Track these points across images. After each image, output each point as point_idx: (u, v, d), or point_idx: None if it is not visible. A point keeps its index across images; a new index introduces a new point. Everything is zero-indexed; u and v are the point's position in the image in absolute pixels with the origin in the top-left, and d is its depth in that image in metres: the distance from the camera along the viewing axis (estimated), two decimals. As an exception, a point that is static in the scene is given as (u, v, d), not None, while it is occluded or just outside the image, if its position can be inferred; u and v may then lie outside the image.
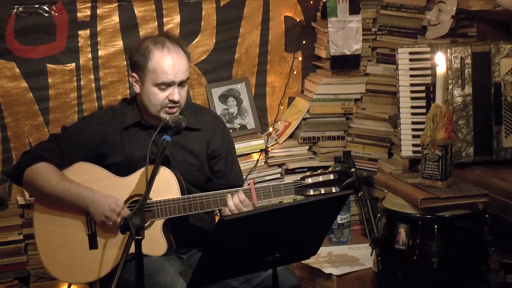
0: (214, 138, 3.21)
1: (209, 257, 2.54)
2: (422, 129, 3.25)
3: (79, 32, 4.09)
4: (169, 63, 3.04)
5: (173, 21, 4.25)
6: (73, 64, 4.11)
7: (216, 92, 4.39)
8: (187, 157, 3.16)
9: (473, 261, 3.11)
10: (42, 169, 3.04)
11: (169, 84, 3.05)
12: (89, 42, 4.11)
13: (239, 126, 4.40)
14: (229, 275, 2.79)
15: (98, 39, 4.13)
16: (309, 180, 3.03)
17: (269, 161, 4.42)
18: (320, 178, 3.03)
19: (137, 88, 3.11)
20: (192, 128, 3.17)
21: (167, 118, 3.05)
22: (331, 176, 3.04)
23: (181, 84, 3.08)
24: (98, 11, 4.10)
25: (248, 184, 3.04)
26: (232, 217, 2.51)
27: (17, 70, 4.01)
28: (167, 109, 3.07)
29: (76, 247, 3.08)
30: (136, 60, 3.08)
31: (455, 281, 3.11)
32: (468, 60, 3.53)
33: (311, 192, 3.02)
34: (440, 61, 3.20)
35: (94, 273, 3.06)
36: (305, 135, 4.49)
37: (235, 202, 3.00)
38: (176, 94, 3.05)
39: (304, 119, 4.48)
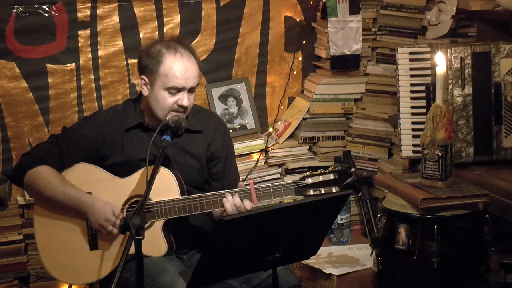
0: (214, 140, 3.21)
1: (209, 257, 2.54)
2: (422, 129, 3.25)
3: (79, 32, 4.09)
4: (181, 68, 3.04)
5: (173, 21, 4.25)
6: (73, 64, 4.11)
7: (216, 92, 4.39)
8: (188, 160, 3.16)
9: (473, 261, 3.11)
10: (43, 172, 3.04)
11: (179, 89, 3.05)
12: (89, 42, 4.11)
13: (239, 126, 4.40)
14: (229, 275, 2.79)
15: (98, 39, 4.13)
16: (309, 180, 3.03)
17: (269, 161, 4.42)
18: (320, 178, 3.03)
19: (145, 91, 3.10)
20: (193, 130, 3.17)
21: (167, 118, 3.04)
22: (331, 176, 3.04)
23: (190, 90, 3.08)
24: (98, 11, 4.10)
25: (248, 184, 3.04)
26: (232, 217, 2.50)
27: (17, 70, 4.01)
28: (175, 113, 3.07)
29: (77, 248, 3.07)
30: (147, 64, 3.07)
31: (455, 281, 3.11)
32: (468, 60, 3.53)
33: (311, 192, 3.01)
34: (440, 61, 3.20)
35: (94, 274, 3.06)
36: (305, 135, 4.49)
37: (237, 203, 3.00)
38: (186, 99, 3.05)
39: (304, 119, 4.48)
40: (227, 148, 3.25)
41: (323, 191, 3.02)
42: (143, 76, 3.10)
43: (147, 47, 3.12)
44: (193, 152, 3.17)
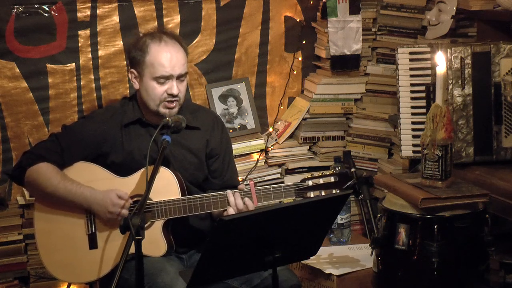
0: (213, 137, 3.22)
1: (209, 257, 2.54)
2: (422, 129, 3.25)
3: (79, 32, 4.09)
4: (166, 56, 3.06)
5: (173, 21, 4.25)
6: (73, 64, 4.11)
7: (216, 92, 4.39)
8: (186, 156, 3.17)
9: (473, 261, 3.11)
10: (44, 169, 3.04)
11: (167, 78, 3.06)
12: (89, 42, 4.11)
13: (239, 126, 4.40)
14: (229, 275, 2.79)
15: (98, 39, 4.13)
16: (310, 183, 3.03)
17: (269, 161, 4.42)
18: (321, 181, 3.03)
19: (136, 84, 3.12)
20: (191, 126, 3.17)
21: (167, 118, 3.05)
22: (332, 179, 3.04)
23: (179, 78, 3.08)
24: (98, 11, 4.10)
25: (248, 185, 3.04)
26: (232, 217, 2.51)
27: (17, 70, 4.00)
28: (166, 103, 3.08)
29: (76, 247, 3.08)
30: (134, 56, 3.09)
31: (455, 281, 3.11)
32: (468, 60, 3.53)
33: (312, 195, 3.02)
34: (440, 61, 3.20)
35: (94, 273, 3.06)
36: (305, 135, 4.49)
37: (239, 204, 3.00)
38: (175, 87, 3.06)
39: (304, 119, 4.48)
40: (226, 144, 3.27)
41: (323, 194, 3.02)
42: (132, 70, 3.12)
43: (134, 40, 3.17)
44: (191, 147, 3.18)
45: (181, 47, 3.12)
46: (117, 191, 3.01)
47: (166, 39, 3.10)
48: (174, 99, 3.08)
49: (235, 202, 3.00)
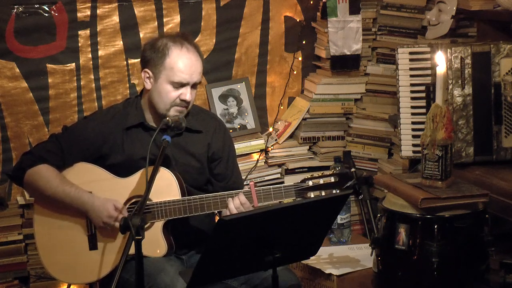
0: (215, 140, 3.21)
1: (209, 257, 2.54)
2: (422, 129, 3.25)
3: (79, 32, 4.09)
4: (187, 62, 3.04)
5: (173, 21, 4.25)
6: (73, 64, 4.11)
7: (216, 92, 4.39)
8: (188, 159, 3.16)
9: (473, 261, 3.11)
10: (43, 171, 3.04)
11: (183, 84, 3.05)
12: (89, 42, 4.11)
13: (239, 126, 4.40)
14: (229, 275, 2.79)
15: (98, 39, 4.13)
16: (310, 183, 3.03)
17: (269, 161, 4.42)
18: (321, 181, 3.03)
19: (148, 85, 3.10)
20: (193, 130, 3.17)
21: (167, 118, 3.05)
22: (332, 179, 3.04)
23: (194, 85, 3.08)
24: (98, 11, 4.11)
25: (249, 186, 3.04)
26: (232, 217, 2.50)
27: (17, 70, 4.01)
28: (177, 107, 3.07)
29: (76, 248, 3.07)
30: (152, 57, 3.06)
31: (455, 281, 3.10)
32: (468, 60, 3.53)
33: (312, 195, 3.01)
34: (440, 61, 3.20)
35: (94, 274, 3.06)
36: (305, 135, 4.49)
37: (236, 204, 3.00)
38: (188, 94, 3.06)
39: (304, 119, 4.49)
40: (228, 148, 3.25)
41: (323, 194, 3.02)
42: (146, 70, 3.09)
43: (152, 40, 3.13)
44: (193, 151, 3.17)
45: (199, 56, 3.11)
46: (115, 201, 3.00)
47: (187, 45, 3.08)
48: (185, 105, 3.07)
49: (234, 207, 3.00)
